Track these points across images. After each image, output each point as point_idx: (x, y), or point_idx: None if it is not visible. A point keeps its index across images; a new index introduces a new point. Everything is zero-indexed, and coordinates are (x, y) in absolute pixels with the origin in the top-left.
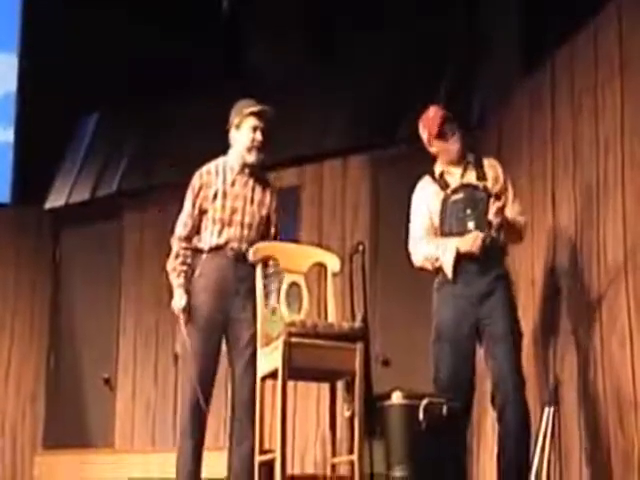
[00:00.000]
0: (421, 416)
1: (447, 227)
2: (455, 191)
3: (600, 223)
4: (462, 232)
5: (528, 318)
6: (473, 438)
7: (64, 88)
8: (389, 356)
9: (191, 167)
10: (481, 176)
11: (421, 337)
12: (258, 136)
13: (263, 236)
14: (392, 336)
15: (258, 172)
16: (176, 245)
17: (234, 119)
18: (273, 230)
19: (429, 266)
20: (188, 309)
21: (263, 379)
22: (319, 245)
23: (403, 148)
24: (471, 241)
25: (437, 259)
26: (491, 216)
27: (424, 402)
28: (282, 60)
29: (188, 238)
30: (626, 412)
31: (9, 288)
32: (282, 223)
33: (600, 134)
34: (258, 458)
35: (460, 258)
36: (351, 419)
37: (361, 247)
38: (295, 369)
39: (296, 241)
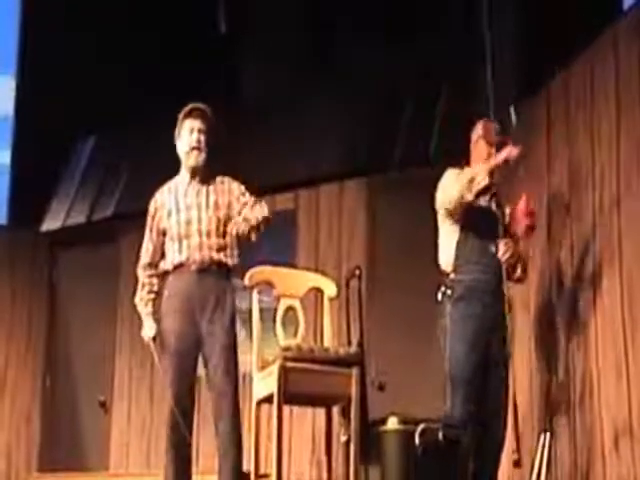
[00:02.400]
0: (417, 441)
1: (470, 245)
2: (481, 211)
3: (596, 250)
4: (484, 254)
5: (523, 344)
6: None
7: (61, 111)
8: (385, 381)
9: None
10: (502, 205)
11: (417, 362)
12: (194, 137)
13: (230, 234)
14: (388, 361)
15: (209, 177)
16: (141, 275)
17: (176, 131)
18: (250, 203)
19: (465, 194)
20: (160, 337)
21: (259, 403)
22: (315, 270)
23: (400, 172)
24: (506, 152)
25: (472, 179)
26: (501, 256)
27: (420, 427)
28: (278, 84)
29: (152, 265)
30: (621, 437)
31: (5, 310)
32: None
33: (596, 161)
34: None
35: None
36: (347, 444)
37: (357, 272)
38: (291, 394)
39: (292, 266)
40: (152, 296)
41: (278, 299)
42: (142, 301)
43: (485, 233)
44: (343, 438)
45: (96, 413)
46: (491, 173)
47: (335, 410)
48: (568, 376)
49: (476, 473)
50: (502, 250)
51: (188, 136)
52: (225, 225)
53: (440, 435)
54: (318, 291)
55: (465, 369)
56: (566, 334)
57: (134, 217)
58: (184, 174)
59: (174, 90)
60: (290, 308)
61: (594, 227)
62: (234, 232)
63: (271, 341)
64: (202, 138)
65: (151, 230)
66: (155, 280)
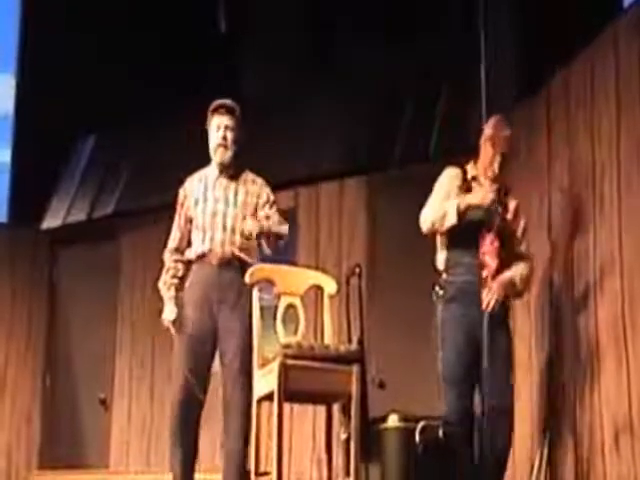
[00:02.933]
0: (417, 439)
1: (460, 245)
2: (475, 209)
3: (596, 249)
4: (473, 254)
5: (524, 344)
6: None
7: (61, 109)
8: (385, 378)
9: None
10: (504, 205)
11: (417, 359)
12: (221, 134)
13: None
14: (388, 358)
15: (239, 172)
16: (167, 259)
17: (206, 128)
18: (275, 217)
19: (435, 225)
20: (179, 322)
21: (259, 401)
22: (315, 267)
23: (400, 171)
24: (481, 195)
25: (444, 215)
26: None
27: (420, 425)
28: (278, 82)
29: (178, 250)
30: (622, 435)
31: (5, 308)
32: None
33: (596, 159)
34: None
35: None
36: (347, 442)
37: (358, 269)
38: (291, 391)
39: (293, 263)
40: (175, 281)
41: (278, 297)
42: (165, 285)
43: (478, 233)
44: (343, 436)
45: (96, 411)
46: (464, 211)
47: (335, 408)
48: (568, 374)
49: (481, 473)
50: (485, 302)
51: (215, 133)
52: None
53: (440, 433)
54: (318, 289)
55: (456, 369)
56: (566, 332)
57: (134, 215)
58: (214, 167)
59: (174, 89)
60: (290, 306)
61: (594, 226)
62: (245, 232)
63: (271, 339)
64: (229, 135)
65: (179, 217)
66: (180, 265)
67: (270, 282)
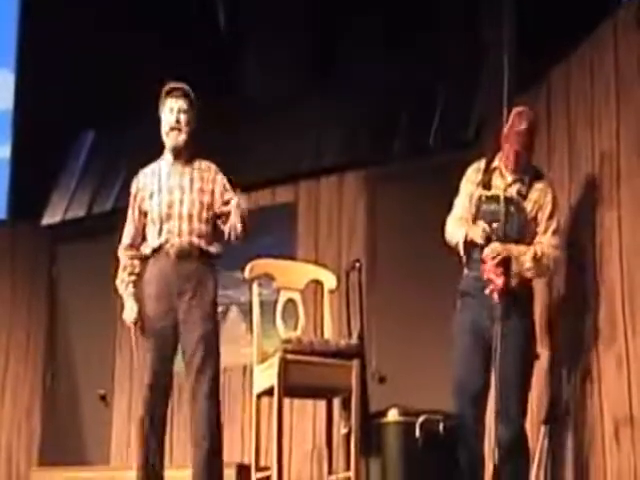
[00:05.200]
0: (417, 433)
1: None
2: (490, 199)
3: (596, 242)
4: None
5: None
6: None
7: (61, 104)
8: (385, 373)
9: None
10: (524, 195)
11: (417, 354)
12: (174, 117)
13: (211, 223)
14: (388, 353)
15: (193, 158)
16: (122, 256)
17: (159, 112)
18: (233, 202)
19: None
20: (140, 321)
21: (259, 396)
22: (315, 262)
23: (399, 164)
24: (478, 233)
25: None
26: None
27: (420, 419)
28: (279, 77)
29: (133, 246)
30: (622, 427)
31: (5, 304)
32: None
33: (596, 149)
34: (255, 475)
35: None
36: (347, 436)
37: (358, 264)
38: (291, 386)
39: (292, 258)
40: (133, 278)
41: (278, 292)
42: (123, 283)
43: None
44: (344, 430)
45: (97, 407)
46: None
47: (336, 402)
48: (568, 367)
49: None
50: (486, 253)
51: (168, 115)
52: (208, 211)
53: (440, 427)
54: (318, 283)
55: (463, 361)
56: (566, 324)
57: None
58: (167, 156)
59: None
60: (290, 300)
61: (594, 218)
62: (232, 237)
63: (271, 334)
64: (182, 118)
65: (133, 211)
66: (136, 262)
67: (270, 277)
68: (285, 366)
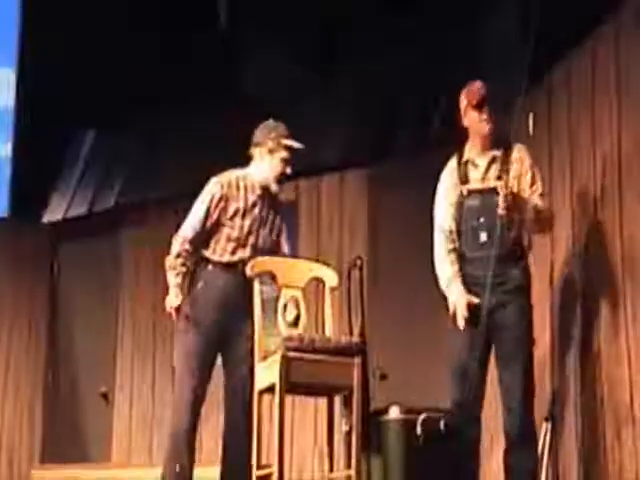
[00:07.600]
0: (419, 431)
1: (463, 238)
2: (471, 193)
3: (598, 240)
4: (475, 246)
5: None
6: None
7: (62, 103)
8: (387, 370)
9: (189, 182)
10: (504, 171)
11: (418, 351)
12: (288, 170)
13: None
14: (390, 350)
15: (274, 196)
16: (179, 245)
17: (267, 141)
18: (286, 248)
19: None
20: (190, 318)
21: (260, 393)
22: (317, 260)
23: (401, 163)
24: (459, 310)
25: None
26: (500, 210)
27: (422, 417)
28: (280, 74)
29: (193, 242)
30: (623, 426)
31: (6, 302)
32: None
33: (597, 148)
34: (256, 473)
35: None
36: (349, 434)
37: (359, 262)
38: (293, 384)
39: (294, 256)
40: (184, 269)
41: (280, 289)
42: (174, 270)
43: (476, 224)
44: (345, 428)
45: (98, 405)
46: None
47: (337, 400)
48: (570, 365)
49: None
50: (500, 201)
51: (282, 165)
52: (274, 248)
53: (442, 424)
54: (319, 281)
55: (460, 358)
56: (568, 320)
57: (135, 209)
58: (255, 180)
59: (174, 84)
60: (292, 298)
61: (595, 217)
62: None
63: (273, 331)
64: (288, 171)
65: (208, 213)
66: (192, 257)
67: (271, 274)
68: (287, 363)
